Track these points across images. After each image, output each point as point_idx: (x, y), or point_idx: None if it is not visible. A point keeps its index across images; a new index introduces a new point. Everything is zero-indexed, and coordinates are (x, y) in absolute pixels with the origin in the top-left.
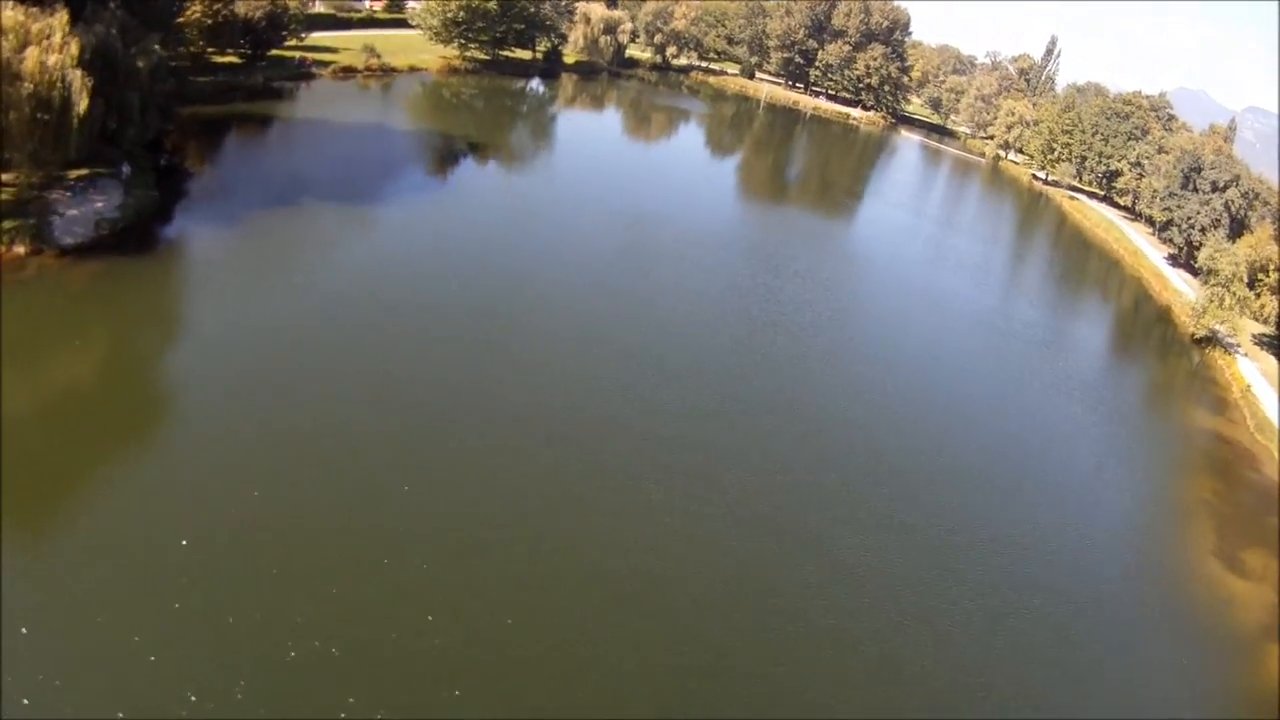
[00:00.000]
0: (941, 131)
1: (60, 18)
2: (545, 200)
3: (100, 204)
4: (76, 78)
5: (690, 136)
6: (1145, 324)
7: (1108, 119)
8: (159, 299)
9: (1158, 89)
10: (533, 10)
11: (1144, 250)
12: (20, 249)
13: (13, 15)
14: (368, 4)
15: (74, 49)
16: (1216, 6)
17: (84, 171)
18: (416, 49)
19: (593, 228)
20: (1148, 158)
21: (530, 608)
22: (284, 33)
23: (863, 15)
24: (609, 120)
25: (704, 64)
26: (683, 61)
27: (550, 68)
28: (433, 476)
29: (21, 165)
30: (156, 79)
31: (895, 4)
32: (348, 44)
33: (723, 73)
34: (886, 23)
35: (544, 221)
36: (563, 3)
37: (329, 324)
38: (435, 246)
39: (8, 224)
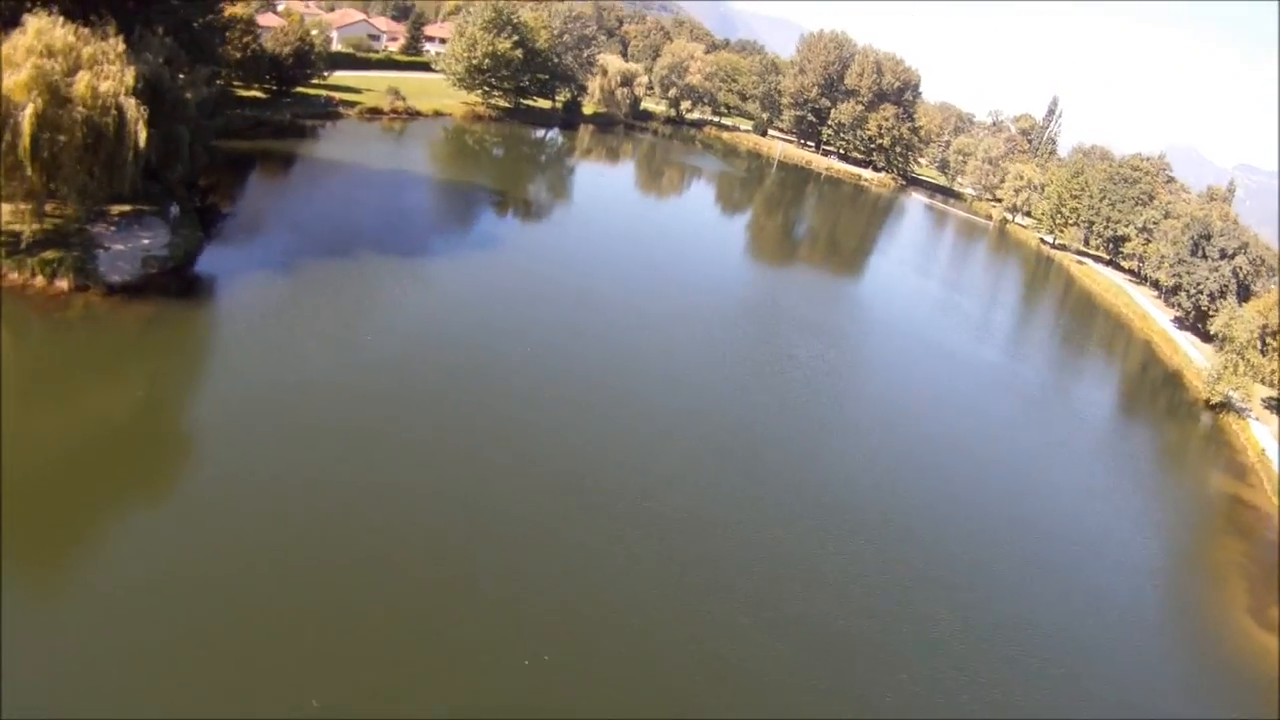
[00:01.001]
0: (948, 193)
1: (115, 43)
2: (568, 253)
3: (146, 241)
4: (131, 107)
5: (707, 194)
6: (1157, 387)
7: (1115, 184)
8: (211, 347)
9: (1148, 146)
10: (555, 61)
11: (1152, 314)
12: (63, 283)
13: (63, 35)
14: (385, 45)
15: (129, 77)
16: (1205, 65)
17: (125, 208)
18: (438, 93)
19: (616, 286)
20: (1155, 223)
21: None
22: (309, 70)
23: (875, 75)
24: (629, 175)
25: (716, 119)
26: (695, 116)
27: (570, 118)
28: (467, 539)
29: (69, 197)
30: (203, 113)
31: (906, 65)
32: (370, 84)
33: (735, 128)
34: (898, 83)
35: (566, 277)
36: (584, 54)
37: (374, 378)
38: (477, 302)
39: (49, 255)
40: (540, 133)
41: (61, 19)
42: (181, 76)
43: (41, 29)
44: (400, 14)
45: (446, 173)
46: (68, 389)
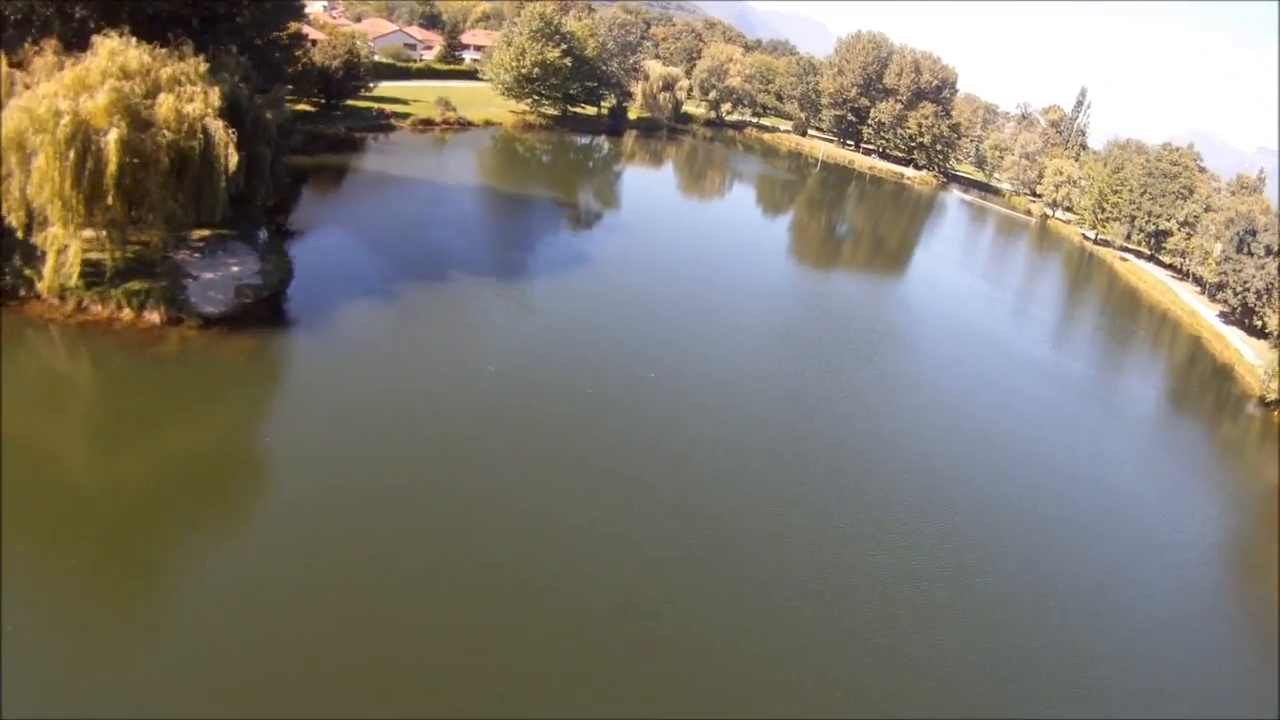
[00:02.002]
0: (985, 189)
1: (195, 64)
2: (640, 260)
3: (236, 269)
4: (219, 129)
5: (758, 195)
6: (1210, 381)
7: (1154, 178)
8: (321, 382)
9: (1168, 131)
10: (602, 68)
11: (1199, 311)
12: (154, 316)
13: (138, 56)
14: (420, 54)
15: (214, 98)
16: (1222, 49)
17: (205, 232)
18: (485, 102)
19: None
20: (1195, 217)
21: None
22: (358, 83)
23: (913, 74)
24: (681, 180)
25: (755, 120)
26: (735, 117)
27: (616, 124)
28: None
29: (156, 225)
30: (282, 133)
31: (943, 63)
32: (415, 95)
33: (775, 129)
34: (936, 81)
35: (643, 286)
36: (630, 60)
37: (499, 408)
38: (575, 321)
39: (134, 285)
40: (589, 140)
41: (133, 40)
42: (259, 96)
43: (114, 50)
44: (427, 21)
45: (510, 184)
46: (173, 431)
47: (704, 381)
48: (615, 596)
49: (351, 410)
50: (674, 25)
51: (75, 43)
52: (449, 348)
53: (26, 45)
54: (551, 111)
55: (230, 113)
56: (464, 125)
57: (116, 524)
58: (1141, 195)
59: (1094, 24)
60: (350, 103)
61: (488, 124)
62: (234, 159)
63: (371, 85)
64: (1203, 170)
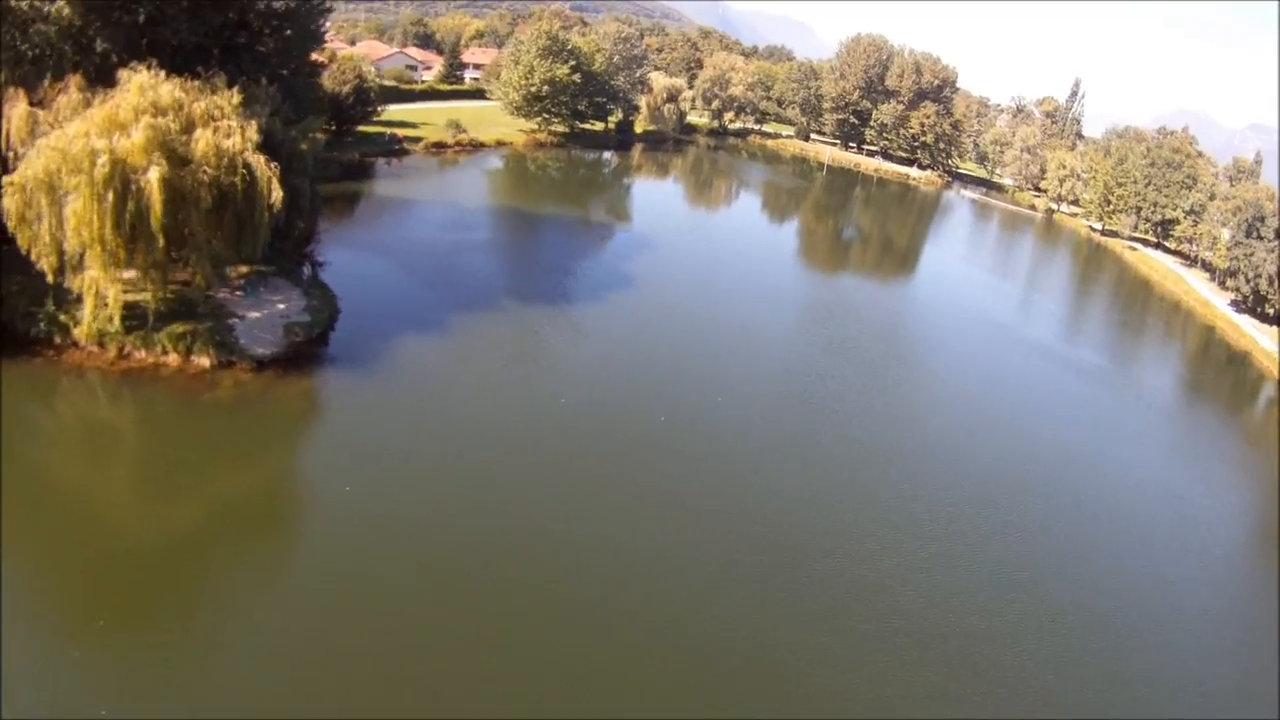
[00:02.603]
0: (989, 185)
1: (228, 97)
2: (673, 277)
3: (282, 306)
4: (260, 164)
5: (770, 203)
6: (1226, 367)
7: (1158, 168)
8: (391, 423)
9: (1157, 111)
10: (610, 83)
11: (1211, 299)
12: (203, 360)
13: (170, 91)
14: (421, 75)
15: (252, 132)
16: (1211, 26)
17: (243, 269)
18: (493, 121)
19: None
20: (1201, 206)
21: None
22: (369, 108)
23: (914, 75)
24: (695, 191)
25: (758, 127)
26: (737, 125)
27: (624, 138)
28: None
29: (199, 265)
30: (317, 164)
31: (943, 63)
32: (422, 117)
33: (778, 135)
34: (937, 81)
35: (683, 300)
36: (636, 73)
37: (571, 442)
38: (632, 341)
39: (178, 328)
40: (600, 155)
41: (162, 74)
42: (291, 127)
43: (145, 85)
44: (421, 41)
45: (532, 204)
46: (235, 480)
47: (761, 403)
48: (701, 629)
49: (419, 451)
50: (668, 35)
51: (99, 78)
52: (511, 379)
53: (46, 82)
54: (561, 129)
55: (266, 146)
56: (476, 147)
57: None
58: (1146, 186)
59: (1079, 7)
60: (361, 128)
61: (499, 144)
62: (278, 195)
63: (380, 110)
64: (1200, 155)
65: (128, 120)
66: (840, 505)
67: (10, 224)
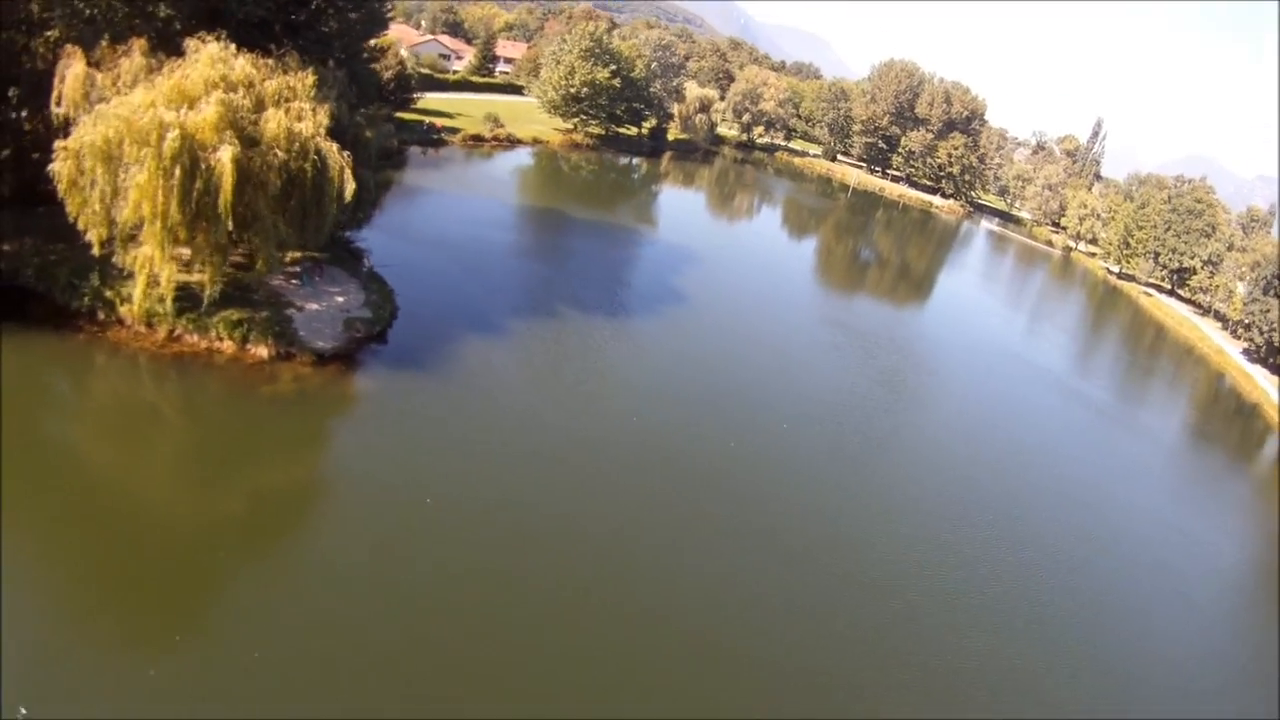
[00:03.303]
0: (1007, 218)
1: (304, 78)
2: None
3: (341, 299)
4: (333, 152)
5: (802, 223)
6: (1239, 417)
7: (1179, 215)
8: (455, 430)
9: (1168, 156)
10: (648, 89)
11: (1225, 349)
12: (261, 350)
13: (243, 66)
14: (453, 65)
15: (323, 117)
16: (1220, 77)
17: (296, 254)
18: (527, 118)
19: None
20: (1219, 256)
21: None
22: (409, 95)
23: (944, 105)
24: (731, 202)
25: (785, 144)
26: (766, 140)
27: (657, 145)
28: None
29: (263, 250)
30: (382, 153)
31: (973, 94)
32: (457, 108)
33: (804, 153)
34: (966, 112)
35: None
36: (673, 82)
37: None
38: (692, 357)
39: (233, 314)
40: (636, 160)
41: (232, 47)
42: (357, 113)
43: (216, 57)
44: (449, 29)
45: (572, 205)
46: (292, 474)
47: (815, 432)
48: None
49: (483, 458)
50: (696, 43)
51: (160, 45)
52: (573, 392)
53: (104, 43)
54: (597, 131)
55: (334, 132)
56: (513, 142)
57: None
58: (1166, 232)
59: (1098, 48)
60: (398, 115)
61: (535, 142)
62: (351, 186)
63: (418, 97)
64: (1219, 205)
65: (196, 93)
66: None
67: (60, 189)
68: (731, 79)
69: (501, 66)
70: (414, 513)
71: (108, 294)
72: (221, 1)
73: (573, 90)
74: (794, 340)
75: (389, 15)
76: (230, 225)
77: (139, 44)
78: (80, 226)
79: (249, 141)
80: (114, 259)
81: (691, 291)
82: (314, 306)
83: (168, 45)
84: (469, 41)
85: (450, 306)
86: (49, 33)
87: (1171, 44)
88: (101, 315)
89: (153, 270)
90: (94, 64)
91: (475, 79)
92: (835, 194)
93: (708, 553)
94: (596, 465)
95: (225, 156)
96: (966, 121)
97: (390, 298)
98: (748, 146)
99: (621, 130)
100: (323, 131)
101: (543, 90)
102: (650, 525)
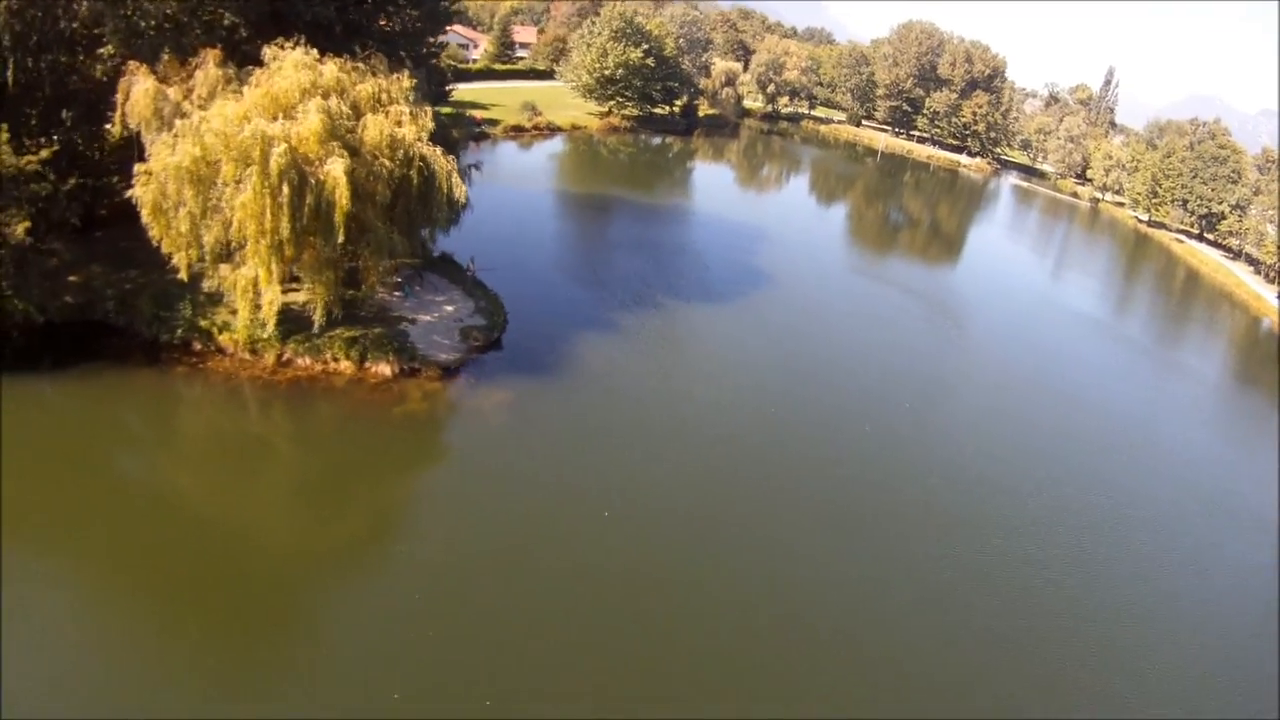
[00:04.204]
0: (1031, 172)
1: (399, 80)
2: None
3: (450, 308)
4: (438, 157)
5: (842, 186)
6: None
7: (1205, 163)
8: (599, 440)
9: (1172, 98)
10: (680, 67)
11: (1262, 294)
12: (384, 368)
13: (333, 71)
14: (472, 55)
15: (426, 120)
16: (1218, 12)
17: (389, 262)
18: (559, 103)
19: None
20: (1247, 201)
21: None
22: (444, 89)
23: (966, 64)
24: (784, 177)
25: (810, 112)
26: (790, 110)
27: (689, 123)
28: None
29: (374, 264)
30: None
31: (993, 53)
32: (489, 98)
33: (829, 120)
34: (988, 70)
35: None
36: (701, 58)
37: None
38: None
39: (345, 332)
40: (675, 140)
41: (313, 51)
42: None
43: (301, 63)
44: (456, 17)
45: (630, 190)
46: (464, 516)
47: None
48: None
49: (638, 464)
50: (704, 14)
51: (229, 55)
52: (694, 385)
53: (166, 57)
54: (634, 112)
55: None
56: (553, 130)
57: None
58: (1193, 179)
59: None
60: (438, 109)
61: (574, 128)
62: (462, 190)
63: (451, 90)
64: (1243, 151)
65: (289, 101)
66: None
67: (144, 214)
68: (746, 50)
69: (518, 53)
70: (596, 525)
71: (202, 323)
72: (286, 5)
73: (606, 72)
74: (882, 311)
75: (451, 10)
76: (343, 239)
77: (213, 55)
78: (165, 250)
79: (350, 150)
80: (204, 284)
81: (765, 267)
82: (426, 318)
83: (233, 55)
84: (474, 28)
85: (544, 303)
86: (102, 50)
87: None
88: (197, 345)
89: (255, 293)
90: (160, 79)
91: (497, 67)
92: (866, 159)
93: (857, 546)
94: (747, 463)
95: (337, 169)
96: (989, 80)
97: (498, 303)
98: (773, 117)
99: (656, 110)
100: (425, 136)
101: (576, 74)
102: (798, 523)
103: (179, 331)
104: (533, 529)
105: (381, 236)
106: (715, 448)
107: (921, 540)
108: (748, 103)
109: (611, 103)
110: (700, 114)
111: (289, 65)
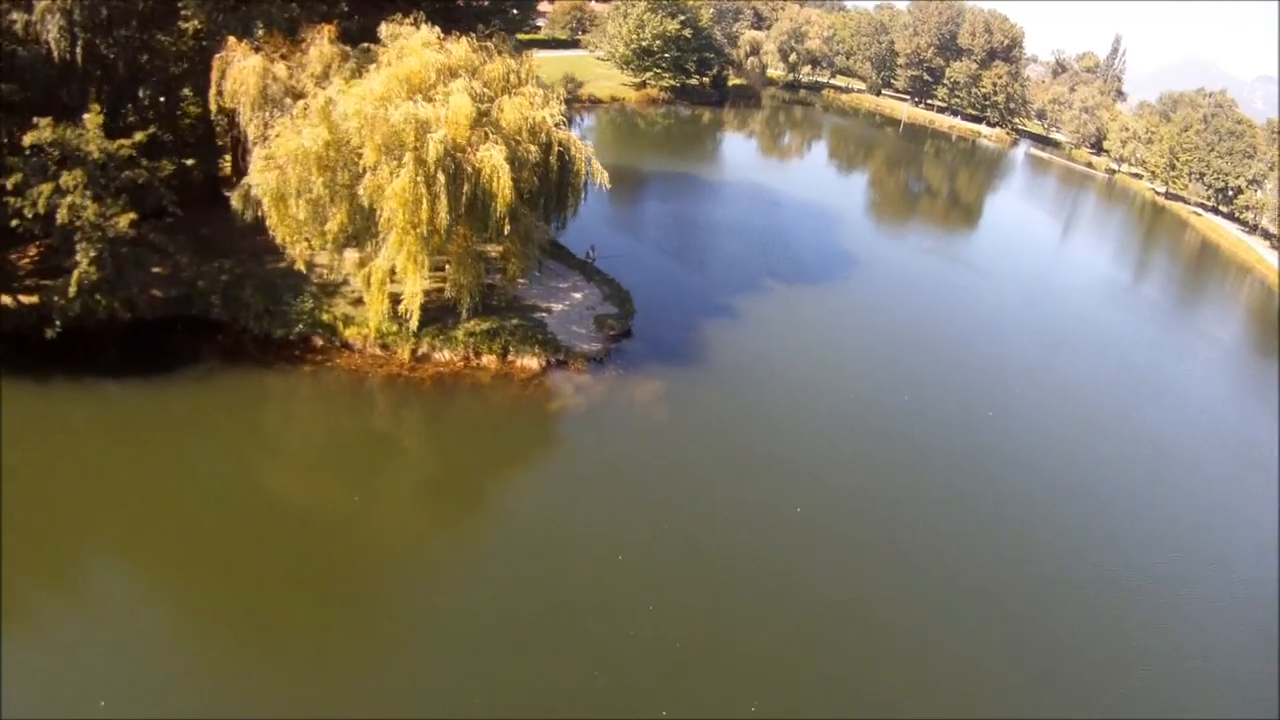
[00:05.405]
0: (1045, 141)
1: (525, 61)
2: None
3: (578, 296)
4: (575, 141)
5: (883, 161)
6: None
7: (1221, 137)
8: (757, 431)
9: (1167, 61)
10: (714, 38)
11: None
12: (530, 362)
13: (464, 51)
14: None
15: (556, 104)
16: None
17: (535, 251)
18: (590, 74)
19: None
20: (1263, 175)
21: None
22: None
23: (986, 34)
24: (816, 147)
25: (830, 81)
26: (810, 79)
27: (720, 94)
28: None
29: (523, 253)
30: None
31: (1011, 22)
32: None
33: (848, 89)
34: (1007, 40)
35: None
36: (731, 28)
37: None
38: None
39: (481, 324)
40: (712, 111)
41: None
42: None
43: (428, 41)
44: None
45: (695, 167)
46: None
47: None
48: None
49: (814, 453)
50: None
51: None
52: (841, 368)
53: (261, 31)
54: (671, 83)
55: None
56: (595, 102)
57: None
58: (1210, 153)
59: None
60: None
61: (613, 99)
62: (603, 175)
63: None
64: (1252, 128)
65: (423, 82)
66: None
67: (265, 202)
68: (759, 17)
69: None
70: (789, 523)
71: (324, 317)
72: None
73: (644, 43)
74: (965, 292)
75: None
76: (509, 229)
77: (328, 30)
78: (280, 240)
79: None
80: (316, 273)
81: (847, 246)
82: (558, 306)
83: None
84: None
85: (654, 287)
86: (185, 24)
87: None
88: (319, 341)
89: (384, 285)
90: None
91: (521, 36)
92: (886, 129)
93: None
94: (924, 460)
95: (497, 157)
96: (1007, 50)
97: (624, 290)
98: (794, 86)
99: (690, 81)
100: (558, 119)
101: (612, 45)
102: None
103: (299, 327)
104: (725, 531)
105: (530, 224)
106: (885, 441)
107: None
108: (770, 72)
109: (648, 74)
110: (729, 84)
111: (416, 44)
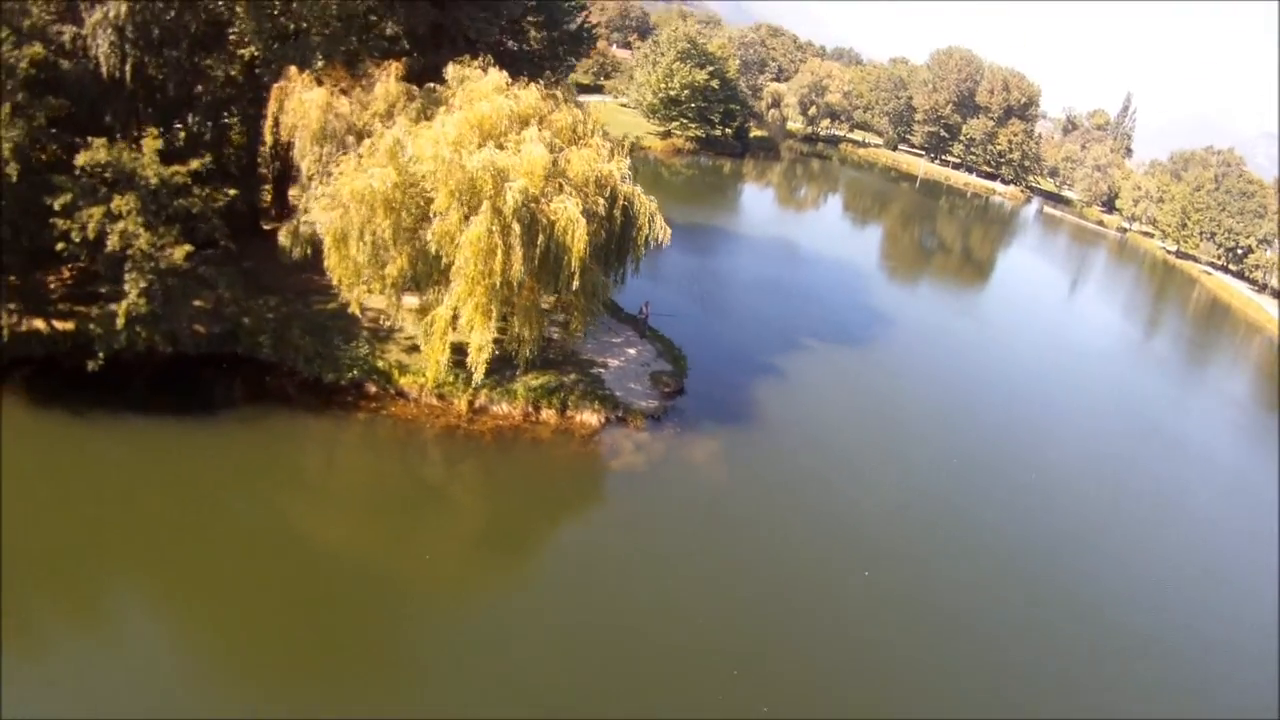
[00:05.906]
0: (1057, 199)
1: (592, 112)
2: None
3: (632, 351)
4: (639, 196)
5: (905, 218)
6: None
7: (1231, 198)
8: (844, 492)
9: (1171, 116)
10: (740, 90)
11: None
12: (590, 418)
13: (534, 97)
14: None
15: (622, 157)
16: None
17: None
18: (610, 121)
19: None
20: (1273, 235)
21: None
22: None
23: (1004, 92)
24: (839, 202)
25: (847, 135)
26: (828, 133)
27: (743, 145)
28: None
29: (587, 307)
30: None
31: (1028, 81)
32: None
33: (865, 143)
34: (1024, 99)
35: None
36: (756, 80)
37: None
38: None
39: (539, 379)
40: (737, 163)
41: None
42: None
43: (499, 85)
44: None
45: (727, 221)
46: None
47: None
48: None
49: (877, 514)
50: (720, 26)
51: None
52: (897, 427)
53: (320, 64)
54: (697, 133)
55: None
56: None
57: None
58: (1221, 213)
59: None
60: None
61: (637, 148)
62: (666, 233)
63: None
64: (1264, 188)
65: (495, 129)
66: None
67: (326, 242)
68: (780, 69)
69: None
70: (858, 590)
71: (379, 364)
72: (450, 19)
73: (672, 93)
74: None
75: (593, 31)
76: (580, 284)
77: (395, 67)
78: (337, 281)
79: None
80: (368, 317)
81: (883, 306)
82: (614, 362)
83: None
84: None
85: (701, 345)
86: (241, 50)
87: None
88: (372, 388)
89: (446, 333)
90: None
91: None
92: (902, 184)
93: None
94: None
95: (573, 210)
96: (1024, 108)
97: (675, 347)
98: (812, 139)
99: (715, 133)
100: (624, 172)
101: (640, 93)
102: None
103: (352, 372)
104: (797, 590)
105: (595, 279)
106: (941, 508)
107: None
108: (790, 125)
109: (674, 124)
110: (750, 135)
111: (488, 88)
